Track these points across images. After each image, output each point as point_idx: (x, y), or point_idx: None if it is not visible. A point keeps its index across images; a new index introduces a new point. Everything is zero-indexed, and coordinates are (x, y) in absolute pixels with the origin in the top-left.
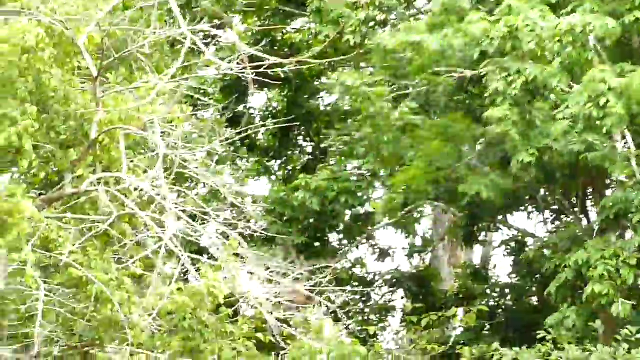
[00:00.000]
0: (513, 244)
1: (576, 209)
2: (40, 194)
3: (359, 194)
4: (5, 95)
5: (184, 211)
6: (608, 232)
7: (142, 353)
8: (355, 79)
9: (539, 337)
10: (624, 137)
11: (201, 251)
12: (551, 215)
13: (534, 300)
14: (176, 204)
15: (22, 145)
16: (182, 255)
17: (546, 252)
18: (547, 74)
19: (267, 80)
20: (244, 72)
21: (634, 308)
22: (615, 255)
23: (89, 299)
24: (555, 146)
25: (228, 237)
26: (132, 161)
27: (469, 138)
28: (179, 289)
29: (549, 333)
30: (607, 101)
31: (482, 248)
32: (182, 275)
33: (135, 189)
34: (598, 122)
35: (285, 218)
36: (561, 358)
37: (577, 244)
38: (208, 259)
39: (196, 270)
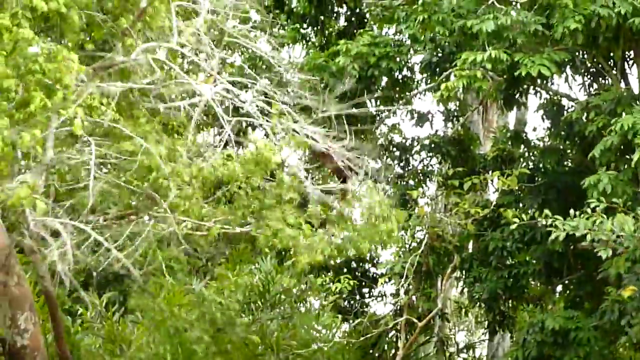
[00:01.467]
0: (551, 107)
1: (616, 73)
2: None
3: (398, 59)
4: None
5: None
6: None
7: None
8: None
9: (588, 202)
10: None
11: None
12: (589, 79)
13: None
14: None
15: (70, 16)
16: (229, 121)
17: (589, 114)
18: None
19: None
20: None
21: None
22: None
23: (141, 168)
24: (602, 12)
25: (270, 104)
26: (180, 31)
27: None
28: (229, 156)
29: (600, 201)
30: None
31: (515, 113)
32: (227, 144)
33: (182, 57)
34: None
35: (323, 85)
36: (615, 228)
37: (621, 105)
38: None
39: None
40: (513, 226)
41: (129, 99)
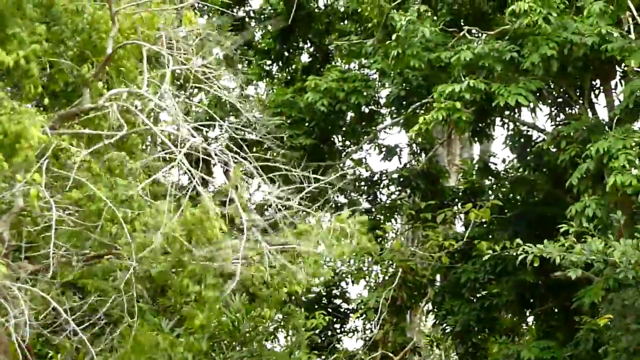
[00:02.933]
0: (519, 139)
1: (583, 103)
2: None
3: (365, 94)
4: (14, 14)
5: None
6: (624, 122)
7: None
8: None
9: (561, 229)
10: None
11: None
12: (556, 109)
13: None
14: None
15: (30, 68)
16: (195, 174)
17: (560, 144)
18: None
19: None
20: None
21: None
22: (638, 144)
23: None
24: (574, 39)
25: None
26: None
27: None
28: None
29: (571, 225)
30: None
31: (480, 145)
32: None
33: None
34: None
35: (289, 121)
36: (585, 250)
37: (594, 134)
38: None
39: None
40: (486, 257)
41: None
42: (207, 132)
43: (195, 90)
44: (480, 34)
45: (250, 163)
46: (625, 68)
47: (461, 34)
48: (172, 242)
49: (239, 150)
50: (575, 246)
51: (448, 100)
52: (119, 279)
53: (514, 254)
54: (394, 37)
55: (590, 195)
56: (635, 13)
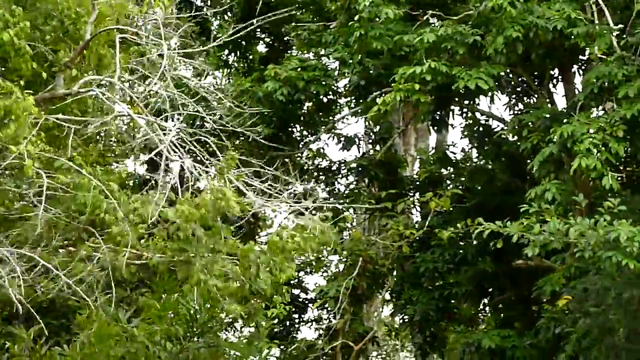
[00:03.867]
0: (477, 128)
1: (542, 92)
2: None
3: (324, 83)
4: None
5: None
6: (588, 108)
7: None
8: None
9: (522, 209)
10: (600, 12)
11: None
12: (515, 98)
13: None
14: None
15: (22, 46)
16: (185, 160)
17: (522, 132)
18: None
19: None
20: None
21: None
22: (602, 128)
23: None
24: (540, 22)
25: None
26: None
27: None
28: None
29: (531, 205)
30: None
31: (435, 136)
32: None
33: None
34: None
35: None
36: (544, 231)
37: (557, 122)
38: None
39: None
40: (446, 244)
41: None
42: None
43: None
44: (442, 20)
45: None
46: (589, 55)
47: (424, 18)
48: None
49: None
50: (534, 226)
51: (408, 81)
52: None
53: (477, 235)
54: (356, 17)
55: (551, 180)
56: (600, 0)
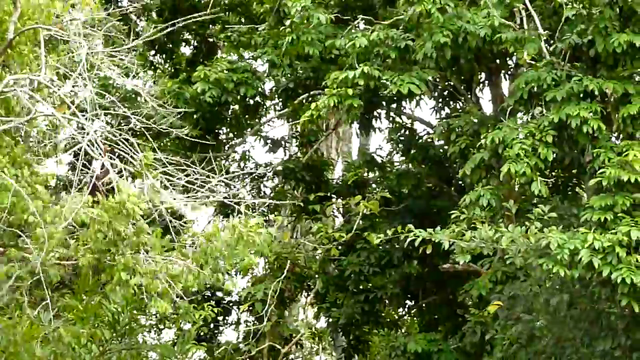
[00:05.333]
0: (404, 131)
1: (471, 96)
2: None
3: (253, 85)
4: None
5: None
6: (517, 113)
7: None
8: None
9: (453, 216)
10: (529, 19)
11: None
12: (441, 103)
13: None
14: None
15: None
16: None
17: (450, 137)
18: None
19: None
20: None
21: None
22: (531, 133)
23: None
24: (468, 28)
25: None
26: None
27: None
28: (95, 202)
29: (462, 212)
30: None
31: (357, 139)
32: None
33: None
34: None
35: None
36: (475, 238)
37: (484, 127)
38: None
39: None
40: (376, 240)
41: None
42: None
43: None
44: (372, 24)
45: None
46: (518, 60)
47: (356, 22)
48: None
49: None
50: (465, 233)
51: (341, 86)
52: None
53: (404, 238)
54: (287, 22)
55: (484, 186)
56: (528, 4)
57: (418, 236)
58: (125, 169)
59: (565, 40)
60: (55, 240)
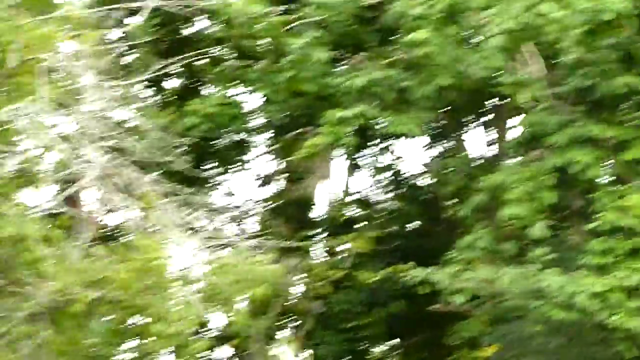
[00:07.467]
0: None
1: (463, 138)
2: None
3: (244, 120)
4: None
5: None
6: (516, 156)
7: None
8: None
9: (448, 257)
10: (530, 62)
11: None
12: (432, 143)
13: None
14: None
15: None
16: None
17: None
18: None
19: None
20: None
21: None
22: (532, 177)
23: None
24: (470, 71)
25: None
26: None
27: None
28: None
29: (459, 253)
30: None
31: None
32: None
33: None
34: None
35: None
36: (473, 279)
37: (482, 167)
38: None
39: None
40: (369, 278)
41: None
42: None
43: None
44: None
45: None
46: (518, 103)
47: (354, 60)
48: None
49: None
50: (463, 274)
51: (337, 125)
52: None
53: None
54: (287, 59)
55: (480, 228)
56: (530, 47)
57: (416, 276)
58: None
59: (567, 84)
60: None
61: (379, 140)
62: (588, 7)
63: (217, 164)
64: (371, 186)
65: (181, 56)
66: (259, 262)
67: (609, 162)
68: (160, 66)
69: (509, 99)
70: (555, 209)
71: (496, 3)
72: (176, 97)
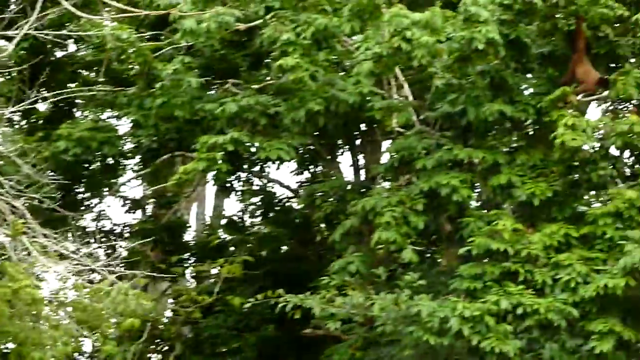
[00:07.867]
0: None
1: (335, 162)
2: None
3: (115, 144)
4: None
5: None
6: (386, 180)
7: None
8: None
9: (320, 282)
10: (399, 87)
11: None
12: (302, 167)
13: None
14: None
15: None
16: None
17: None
18: (337, 21)
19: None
20: None
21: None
22: (401, 201)
23: None
24: (342, 96)
25: None
26: None
27: None
28: None
29: (332, 279)
30: (413, 33)
31: (214, 200)
32: None
33: None
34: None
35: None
36: (346, 304)
37: (351, 192)
38: None
39: None
40: (238, 302)
41: None
42: None
43: None
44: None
45: None
46: (388, 129)
47: (226, 86)
48: None
49: None
50: (335, 299)
51: (209, 151)
52: None
53: (273, 302)
54: (157, 85)
55: (354, 252)
56: (399, 73)
57: (289, 301)
58: None
59: (436, 109)
60: None
61: (251, 164)
62: (461, 35)
63: (88, 187)
64: (243, 210)
65: (51, 80)
66: (127, 288)
67: (478, 186)
68: (32, 94)
69: (379, 124)
70: (425, 233)
71: (365, 28)
72: (44, 121)
